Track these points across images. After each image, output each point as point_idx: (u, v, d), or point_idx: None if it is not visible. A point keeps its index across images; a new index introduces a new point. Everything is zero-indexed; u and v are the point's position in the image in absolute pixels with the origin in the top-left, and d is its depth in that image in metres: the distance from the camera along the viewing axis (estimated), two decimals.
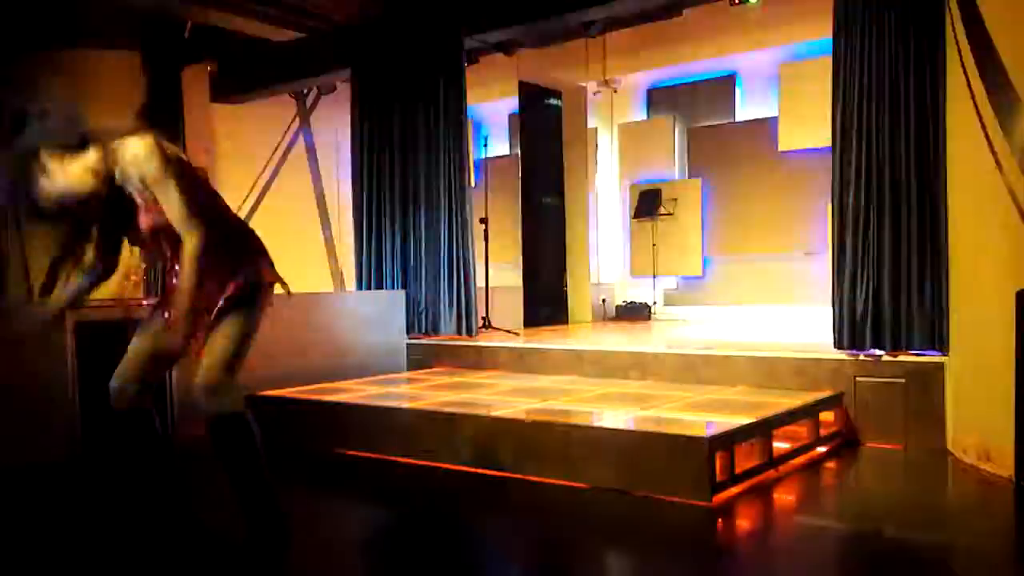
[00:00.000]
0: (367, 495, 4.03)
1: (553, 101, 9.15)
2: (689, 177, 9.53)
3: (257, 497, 2.71)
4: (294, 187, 9.78)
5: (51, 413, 4.33)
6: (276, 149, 9.88)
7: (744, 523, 3.53)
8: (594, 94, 9.58)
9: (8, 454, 4.05)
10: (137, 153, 2.56)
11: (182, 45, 8.95)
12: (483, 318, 7.15)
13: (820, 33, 5.69)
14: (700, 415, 4.17)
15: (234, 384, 2.68)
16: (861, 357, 4.74)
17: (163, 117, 9.12)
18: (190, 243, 2.53)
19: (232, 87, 9.32)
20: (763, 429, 3.99)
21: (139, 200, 2.60)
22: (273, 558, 2.72)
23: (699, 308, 9.18)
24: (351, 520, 3.63)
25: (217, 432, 2.67)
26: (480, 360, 6.26)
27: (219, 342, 2.65)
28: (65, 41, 8.76)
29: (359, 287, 7.22)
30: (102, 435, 2.90)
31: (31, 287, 8.96)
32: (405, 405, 4.73)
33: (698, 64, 8.99)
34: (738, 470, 3.71)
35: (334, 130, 9.45)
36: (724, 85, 9.28)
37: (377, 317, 6.37)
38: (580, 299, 9.20)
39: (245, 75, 9.20)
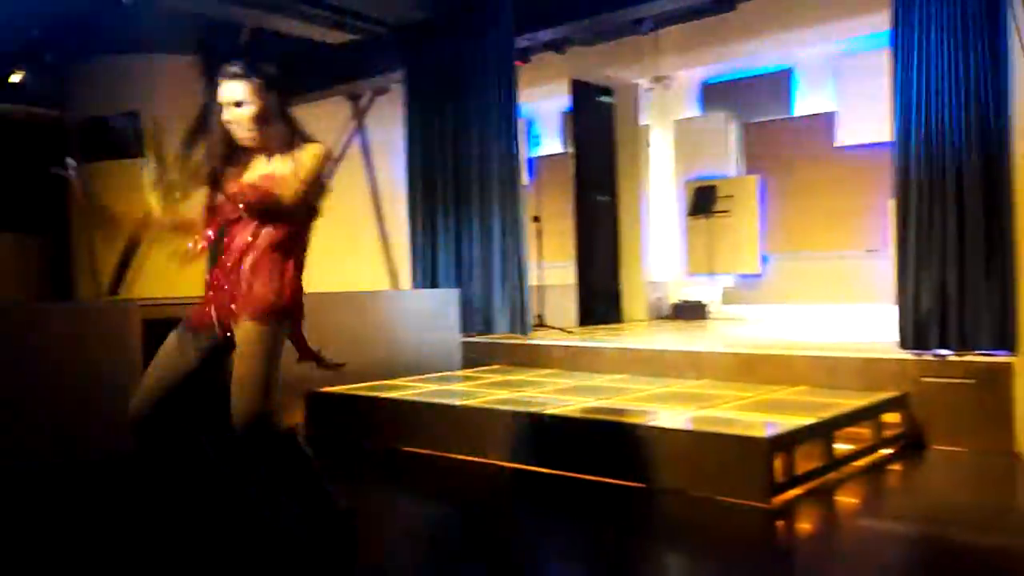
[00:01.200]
0: (423, 491, 4.07)
1: (605, 99, 9.09)
2: (746, 173, 9.38)
3: (315, 501, 2.72)
4: (349, 187, 9.89)
5: (119, 409, 4.45)
6: (332, 150, 10.01)
7: (804, 526, 3.47)
8: (647, 91, 9.50)
9: (76, 449, 4.18)
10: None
11: (239, 50, 9.14)
12: (537, 316, 7.16)
13: (880, 25, 5.56)
14: (759, 415, 4.11)
15: (272, 410, 2.59)
16: (926, 357, 4.62)
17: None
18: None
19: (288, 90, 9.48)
20: (824, 430, 3.92)
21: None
22: (336, 554, 2.74)
23: (757, 306, 9.04)
24: (408, 516, 3.67)
25: (267, 457, 2.65)
26: (534, 358, 6.26)
27: (243, 371, 2.58)
28: (127, 47, 9.03)
29: (414, 286, 7.28)
30: (164, 432, 2.99)
31: (99, 286, 9.25)
32: (461, 402, 4.76)
33: (753, 59, 8.85)
34: (798, 472, 3.65)
35: (388, 130, 9.54)
36: (780, 80, 9.12)
37: (431, 315, 6.42)
38: (634, 297, 9.13)
39: (300, 78, 9.35)
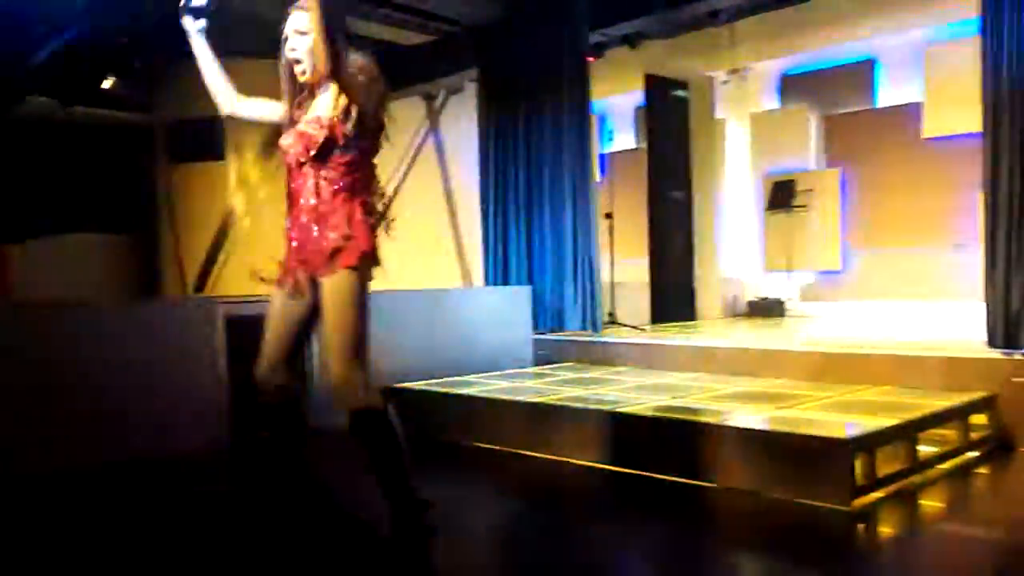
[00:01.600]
0: (494, 487, 4.10)
1: (680, 92, 8.98)
2: (827, 167, 9.14)
3: (399, 490, 2.76)
4: (424, 186, 10.03)
5: (204, 405, 4.61)
6: (407, 150, 10.17)
7: (886, 529, 3.37)
8: (723, 83, 9.34)
9: (164, 443, 4.35)
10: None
11: None
12: (609, 314, 7.12)
13: (967, 11, 5.34)
14: (839, 416, 4.00)
15: (363, 376, 2.66)
16: (1016, 356, 4.42)
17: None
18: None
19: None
20: (908, 431, 3.79)
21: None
22: (415, 547, 2.78)
23: (838, 303, 8.80)
24: (480, 512, 3.70)
25: (358, 428, 2.74)
26: (606, 356, 6.23)
27: (332, 335, 2.65)
28: (215, 50, 9.33)
29: (486, 283, 7.34)
30: (250, 427, 3.09)
31: (185, 285, 9.61)
32: (532, 399, 4.77)
33: (834, 49, 8.60)
34: (880, 474, 3.54)
35: (462, 129, 9.62)
36: (862, 70, 8.83)
37: (503, 312, 6.45)
38: (709, 295, 9.00)
39: None
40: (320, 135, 2.64)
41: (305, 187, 2.70)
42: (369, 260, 2.71)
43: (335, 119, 2.64)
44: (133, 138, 10.22)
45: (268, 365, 2.80)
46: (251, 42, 9.24)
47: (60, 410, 4.07)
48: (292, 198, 2.74)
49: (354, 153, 2.70)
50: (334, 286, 2.65)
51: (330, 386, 2.69)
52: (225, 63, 2.87)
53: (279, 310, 2.79)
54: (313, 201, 2.68)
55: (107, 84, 9.16)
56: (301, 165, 2.69)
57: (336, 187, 2.68)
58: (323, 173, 2.68)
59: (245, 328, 4.47)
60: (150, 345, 4.45)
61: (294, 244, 2.73)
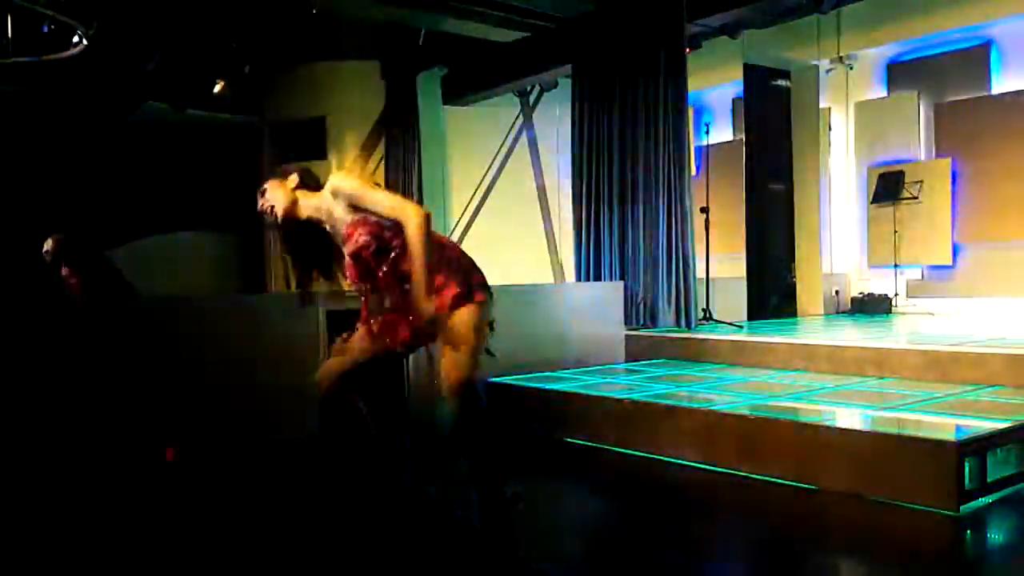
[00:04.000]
0: (586, 483, 4.10)
1: (781, 82, 8.74)
2: (936, 157, 8.72)
3: (489, 483, 2.82)
4: (518, 182, 10.11)
5: (305, 393, 4.78)
6: (501, 146, 10.26)
7: (996, 536, 3.21)
8: (827, 72, 9.04)
9: (266, 431, 4.54)
10: (338, 182, 2.82)
11: (416, 52, 9.54)
12: (704, 310, 7.01)
13: None
14: (948, 416, 3.83)
15: (475, 385, 2.80)
16: None
17: (400, 121, 9.80)
18: (412, 220, 2.69)
19: (462, 89, 9.80)
20: (1021, 434, 3.59)
21: (344, 226, 2.81)
22: (502, 539, 2.82)
23: (948, 300, 8.40)
24: (570, 506, 3.71)
25: (458, 426, 2.82)
26: (701, 353, 6.13)
27: (457, 349, 2.78)
28: (315, 56, 9.65)
29: (578, 278, 7.33)
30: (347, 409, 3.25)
31: (289, 284, 9.97)
32: (625, 395, 4.75)
33: (945, 34, 8.19)
34: (990, 478, 3.37)
35: (555, 125, 9.64)
36: (977, 55, 8.38)
37: (596, 308, 6.43)
38: (810, 290, 8.73)
39: (473, 77, 9.63)
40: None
41: (379, 271, 2.85)
42: (483, 287, 2.88)
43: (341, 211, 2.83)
44: (242, 139, 10.67)
45: (326, 374, 2.97)
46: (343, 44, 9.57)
47: (167, 400, 4.29)
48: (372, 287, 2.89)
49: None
50: (462, 317, 2.80)
51: (446, 389, 2.79)
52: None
53: (365, 338, 2.92)
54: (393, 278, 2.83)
55: (217, 88, 9.59)
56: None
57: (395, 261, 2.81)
58: (382, 257, 2.83)
59: (344, 321, 4.61)
60: (256, 336, 4.66)
61: (399, 319, 2.85)
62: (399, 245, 2.76)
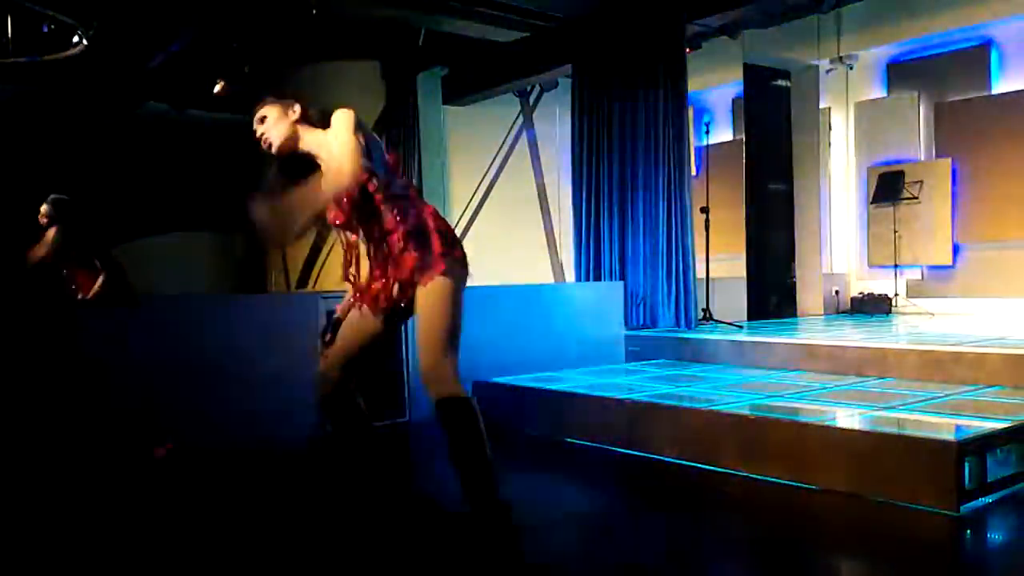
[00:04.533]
0: (584, 483, 4.10)
1: (781, 82, 8.75)
2: (936, 158, 8.72)
3: (478, 480, 2.80)
4: (518, 182, 10.10)
5: (305, 393, 4.78)
6: (501, 146, 10.26)
7: (996, 536, 3.21)
8: (827, 72, 9.04)
9: (264, 432, 4.54)
10: (336, 114, 2.66)
11: (416, 52, 9.54)
12: (704, 310, 7.01)
13: None
14: (948, 416, 3.84)
15: (452, 366, 2.72)
16: None
17: (400, 121, 9.79)
18: (335, 173, 2.55)
19: (462, 89, 9.79)
20: (1021, 434, 3.59)
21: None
22: (492, 540, 2.81)
23: (948, 300, 8.40)
24: (570, 507, 3.71)
25: (443, 415, 2.80)
26: (700, 353, 6.13)
27: (425, 325, 2.72)
28: (315, 55, 9.65)
29: (578, 278, 7.33)
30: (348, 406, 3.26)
31: (289, 281, 9.98)
32: (624, 396, 4.75)
33: (945, 34, 8.20)
34: (990, 478, 3.37)
35: (555, 125, 9.64)
36: (977, 55, 8.38)
37: (595, 308, 6.43)
38: (810, 290, 8.74)
39: (473, 77, 9.63)
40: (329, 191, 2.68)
41: (371, 230, 2.81)
42: (462, 263, 2.79)
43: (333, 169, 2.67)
44: (242, 139, 10.65)
45: (329, 364, 2.93)
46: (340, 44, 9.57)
47: (165, 398, 4.29)
48: (366, 241, 2.86)
49: (359, 181, 2.72)
50: (433, 288, 2.73)
51: (421, 371, 2.76)
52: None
53: (356, 320, 2.90)
54: (386, 240, 2.78)
55: (217, 88, 9.58)
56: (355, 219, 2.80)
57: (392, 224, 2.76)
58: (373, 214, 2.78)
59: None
60: (256, 336, 4.66)
61: (382, 278, 2.82)
62: (383, 199, 2.71)
